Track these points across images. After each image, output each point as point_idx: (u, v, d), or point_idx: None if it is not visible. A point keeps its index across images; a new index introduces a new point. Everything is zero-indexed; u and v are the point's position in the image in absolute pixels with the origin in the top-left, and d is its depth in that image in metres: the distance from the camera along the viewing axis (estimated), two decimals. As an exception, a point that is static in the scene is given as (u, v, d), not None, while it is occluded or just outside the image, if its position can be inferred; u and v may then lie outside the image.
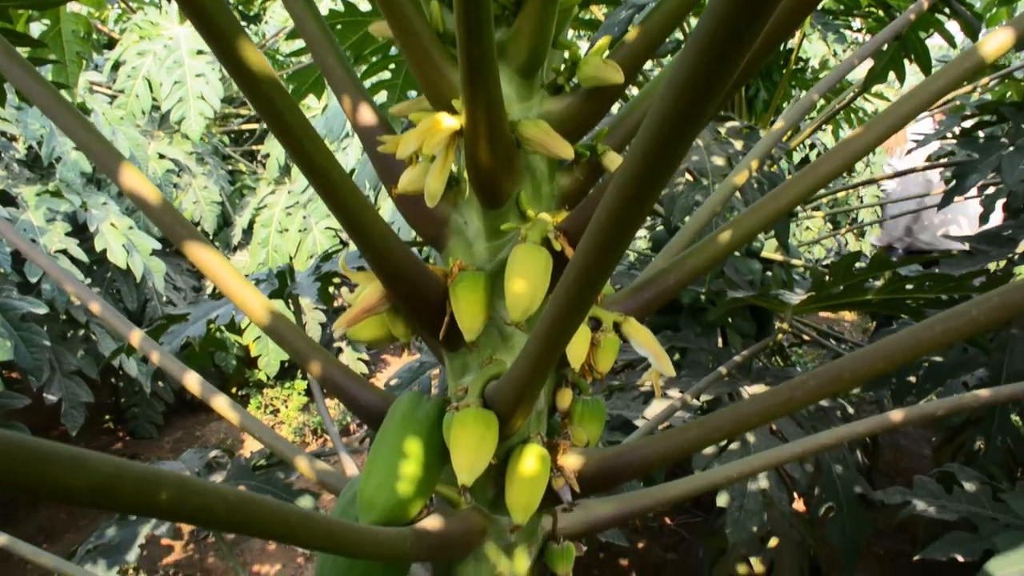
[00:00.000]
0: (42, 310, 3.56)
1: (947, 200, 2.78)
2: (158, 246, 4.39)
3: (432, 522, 0.93)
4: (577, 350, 0.92)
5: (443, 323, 0.91)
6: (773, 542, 2.85)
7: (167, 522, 2.14)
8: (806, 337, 3.91)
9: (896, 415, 1.27)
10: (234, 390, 6.15)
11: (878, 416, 1.26)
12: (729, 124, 2.67)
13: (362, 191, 2.43)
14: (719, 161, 2.38)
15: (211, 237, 6.20)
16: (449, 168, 0.87)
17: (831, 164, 1.00)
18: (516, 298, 0.84)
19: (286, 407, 6.04)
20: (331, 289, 2.30)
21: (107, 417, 5.81)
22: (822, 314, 7.94)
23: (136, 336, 1.38)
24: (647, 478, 2.51)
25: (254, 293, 1.00)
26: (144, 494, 0.47)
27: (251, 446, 5.50)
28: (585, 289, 0.63)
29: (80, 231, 4.61)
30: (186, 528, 4.57)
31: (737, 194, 2.72)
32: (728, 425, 0.86)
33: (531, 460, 0.92)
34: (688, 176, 2.48)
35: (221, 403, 1.28)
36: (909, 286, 2.30)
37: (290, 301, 2.22)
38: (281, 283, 2.15)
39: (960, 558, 1.92)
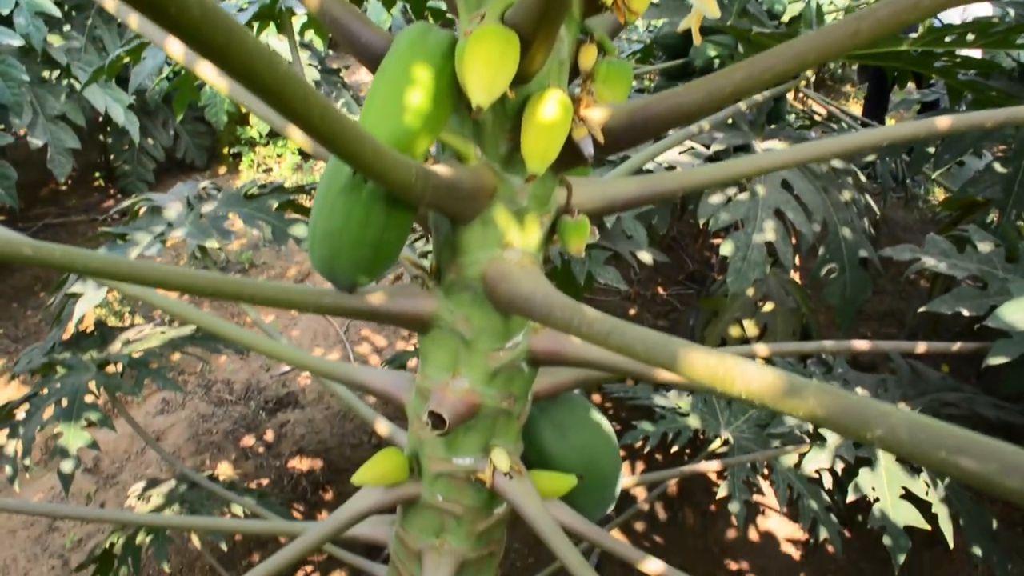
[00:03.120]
0: (17, 42, 3.35)
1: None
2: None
3: (440, 168, 0.84)
4: (612, -24, 0.79)
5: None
6: (768, 307, 2.85)
7: (156, 244, 2.08)
8: (817, 117, 3.76)
9: (943, 121, 1.17)
10: (226, 149, 5.98)
11: (924, 120, 1.15)
12: None
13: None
14: None
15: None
16: None
17: None
18: None
19: (279, 166, 5.92)
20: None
21: (97, 175, 5.70)
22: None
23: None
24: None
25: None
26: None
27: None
28: None
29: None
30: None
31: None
32: (782, 64, 0.75)
33: (552, 104, 0.82)
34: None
35: (206, 71, 1.16)
36: (949, 37, 2.13)
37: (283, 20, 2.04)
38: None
39: (966, 312, 1.89)
